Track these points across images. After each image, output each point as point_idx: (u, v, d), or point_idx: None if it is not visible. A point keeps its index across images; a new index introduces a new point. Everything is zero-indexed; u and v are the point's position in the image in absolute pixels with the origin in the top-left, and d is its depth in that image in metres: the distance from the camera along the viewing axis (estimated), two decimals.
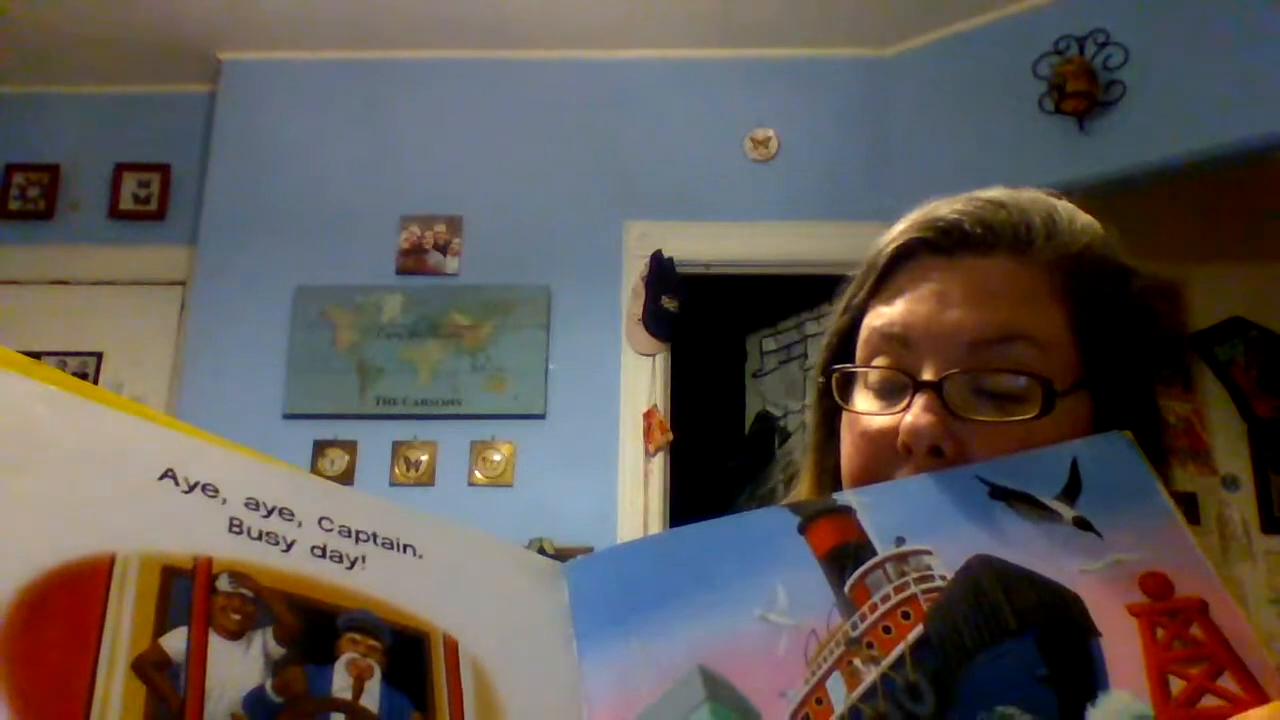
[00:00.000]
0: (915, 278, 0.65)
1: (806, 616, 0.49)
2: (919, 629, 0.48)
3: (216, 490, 0.47)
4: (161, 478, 0.46)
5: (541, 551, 2.26)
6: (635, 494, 2.88)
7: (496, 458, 2.91)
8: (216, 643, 0.42)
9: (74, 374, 2.27)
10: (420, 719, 0.44)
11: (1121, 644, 0.46)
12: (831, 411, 0.71)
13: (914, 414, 0.60)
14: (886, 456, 0.62)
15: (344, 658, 0.44)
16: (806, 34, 3.12)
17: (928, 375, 0.62)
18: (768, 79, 3.20)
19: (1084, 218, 0.68)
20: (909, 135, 3.08)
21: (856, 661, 0.47)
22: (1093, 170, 2.73)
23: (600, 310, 3.04)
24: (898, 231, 0.68)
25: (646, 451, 2.91)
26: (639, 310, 2.99)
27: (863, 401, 0.66)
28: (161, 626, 0.41)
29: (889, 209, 0.73)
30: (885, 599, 0.49)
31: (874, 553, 0.51)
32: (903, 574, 0.50)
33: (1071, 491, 0.53)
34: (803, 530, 0.53)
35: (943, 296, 0.63)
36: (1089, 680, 0.45)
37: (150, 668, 0.40)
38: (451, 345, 3.00)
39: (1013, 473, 0.54)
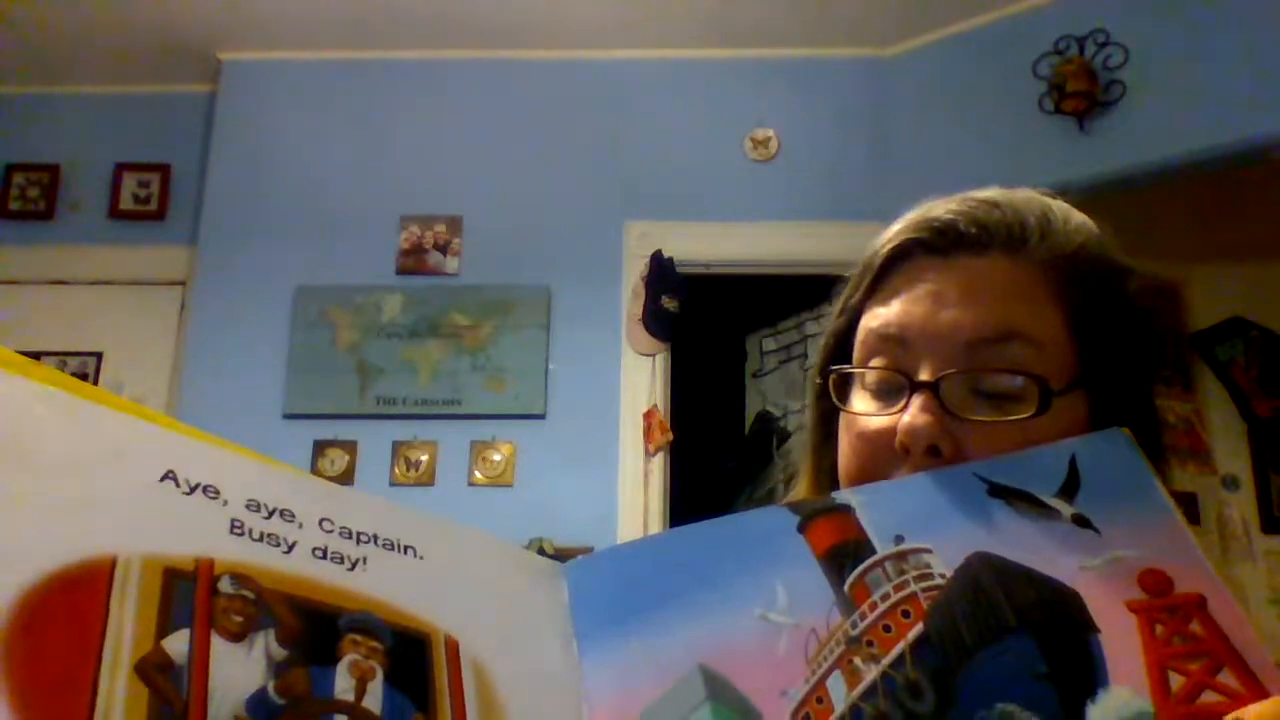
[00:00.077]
0: (911, 278, 0.65)
1: (806, 615, 0.49)
2: (919, 627, 0.48)
3: (217, 492, 0.47)
4: (162, 479, 0.46)
5: (541, 551, 2.27)
6: (635, 494, 2.88)
7: (496, 458, 2.91)
8: (219, 645, 0.42)
9: (74, 374, 2.28)
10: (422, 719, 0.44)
11: (1121, 640, 0.46)
12: (829, 412, 0.71)
13: (911, 414, 0.60)
14: (884, 457, 0.62)
15: (346, 659, 0.44)
16: (806, 34, 3.12)
17: (924, 375, 0.62)
18: (768, 79, 3.20)
19: (1079, 217, 0.68)
20: (909, 135, 3.08)
21: (857, 660, 0.47)
22: (1092, 170, 2.73)
23: (600, 310, 3.04)
24: (893, 232, 0.68)
25: (646, 451, 2.91)
26: (639, 310, 3.00)
27: (860, 402, 0.66)
28: (164, 629, 0.41)
29: (889, 209, 0.73)
30: (885, 597, 0.49)
31: (873, 551, 0.51)
32: (902, 572, 0.50)
33: (1070, 489, 0.53)
34: (802, 529, 0.53)
35: (939, 296, 0.63)
36: (1089, 677, 0.45)
37: (153, 670, 0.40)
38: (451, 345, 3.00)
39: (1011, 470, 0.54)
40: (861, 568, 0.51)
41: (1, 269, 3.24)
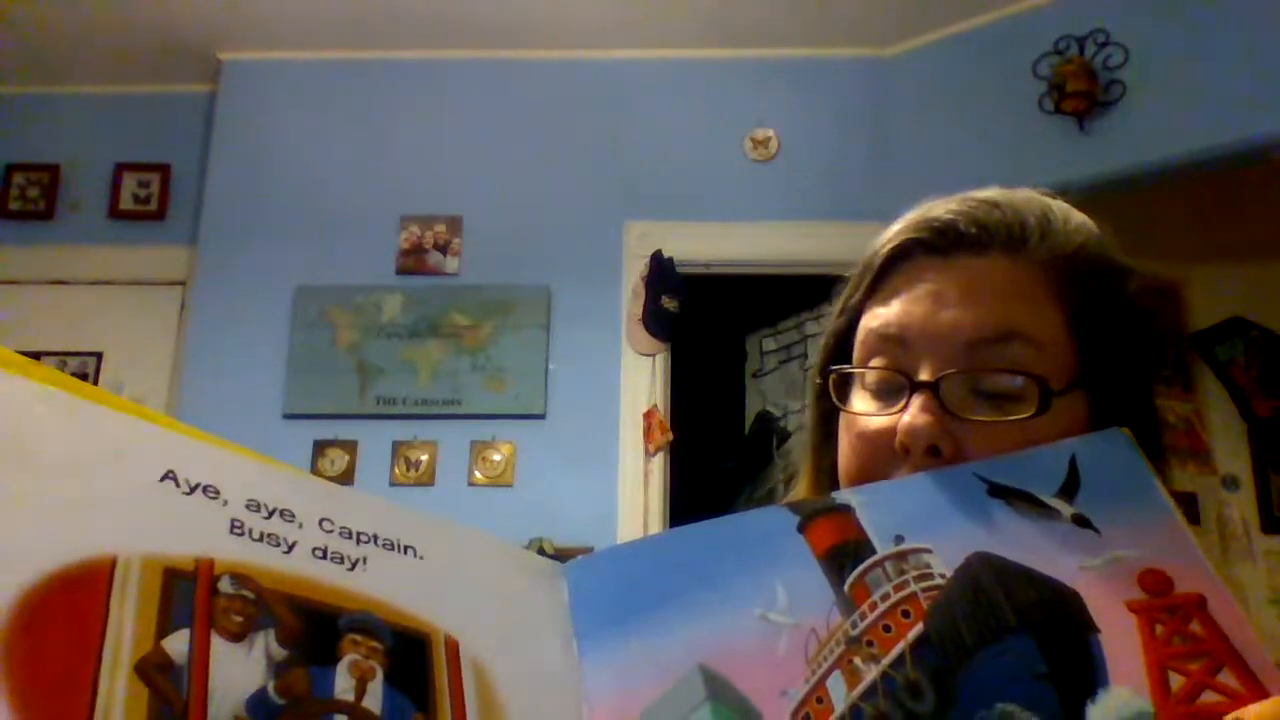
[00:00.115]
0: (911, 278, 0.65)
1: (806, 615, 0.49)
2: (919, 627, 0.48)
3: (217, 492, 0.47)
4: (162, 479, 0.46)
5: (541, 551, 2.27)
6: (635, 494, 2.88)
7: (496, 458, 2.91)
8: (219, 645, 0.42)
9: (74, 374, 2.28)
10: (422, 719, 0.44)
11: (1121, 640, 0.46)
12: (829, 412, 0.71)
13: (911, 414, 0.60)
14: (884, 457, 0.62)
15: (346, 659, 0.44)
16: (806, 34, 3.12)
17: (924, 375, 0.62)
18: (767, 79, 3.20)
19: (1078, 217, 0.68)
20: (909, 135, 3.08)
21: (857, 660, 0.47)
22: (1092, 170, 2.73)
23: (600, 310, 3.04)
24: (893, 232, 0.68)
25: (646, 451, 2.91)
26: (639, 310, 3.00)
27: (860, 402, 0.66)
28: (164, 629, 0.41)
29: (889, 209, 0.73)
30: (885, 597, 0.49)
31: (873, 551, 0.51)
32: (902, 572, 0.50)
33: (1070, 489, 0.53)
34: (802, 529, 0.53)
35: (938, 296, 0.63)
36: (1089, 677, 0.45)
37: (153, 670, 0.40)
38: (451, 345, 3.00)
39: (1011, 470, 0.54)
40: (861, 568, 0.51)
41: (1, 269, 3.24)
